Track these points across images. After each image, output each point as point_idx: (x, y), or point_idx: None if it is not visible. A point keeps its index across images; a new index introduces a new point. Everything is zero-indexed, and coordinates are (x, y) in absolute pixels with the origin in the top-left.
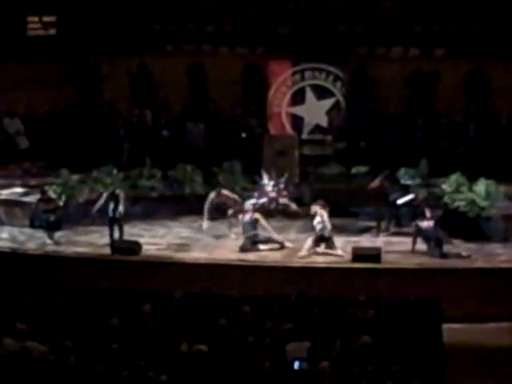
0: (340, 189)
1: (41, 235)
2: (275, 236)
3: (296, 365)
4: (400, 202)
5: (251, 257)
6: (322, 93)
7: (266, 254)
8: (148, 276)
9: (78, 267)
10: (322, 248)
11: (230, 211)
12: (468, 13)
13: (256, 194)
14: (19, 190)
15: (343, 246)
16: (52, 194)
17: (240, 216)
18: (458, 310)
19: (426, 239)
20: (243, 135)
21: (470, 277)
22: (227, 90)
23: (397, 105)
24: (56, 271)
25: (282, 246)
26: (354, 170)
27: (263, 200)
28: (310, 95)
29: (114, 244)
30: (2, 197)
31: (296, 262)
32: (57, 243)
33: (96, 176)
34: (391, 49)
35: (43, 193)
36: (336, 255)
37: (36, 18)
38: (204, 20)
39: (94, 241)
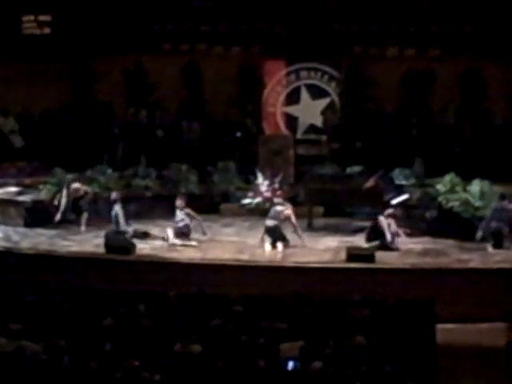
0: (335, 189)
1: (34, 234)
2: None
3: (289, 365)
4: (394, 201)
5: (245, 257)
6: (316, 92)
7: (261, 253)
8: (142, 275)
9: (72, 266)
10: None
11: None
12: (463, 13)
13: (251, 193)
14: (13, 189)
15: (338, 246)
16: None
17: None
18: (451, 310)
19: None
20: (238, 135)
21: (464, 277)
22: (222, 89)
23: (392, 104)
24: (50, 270)
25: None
26: (348, 170)
27: (258, 199)
28: (304, 95)
29: (108, 243)
30: None
31: (290, 262)
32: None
33: (90, 175)
34: (386, 48)
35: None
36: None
37: (31, 17)
38: (199, 19)
39: (88, 239)
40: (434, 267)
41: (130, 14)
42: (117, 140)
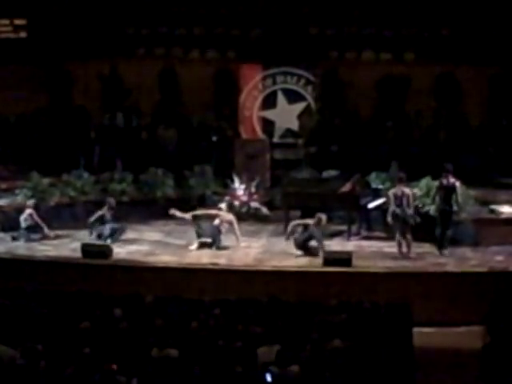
0: (311, 193)
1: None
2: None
3: (268, 377)
4: (371, 205)
5: (222, 260)
6: (293, 97)
7: (238, 258)
8: (119, 280)
9: (49, 271)
10: None
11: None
12: (439, 17)
13: (227, 197)
14: None
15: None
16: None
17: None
18: (428, 313)
19: None
20: (214, 139)
21: (441, 281)
22: (198, 93)
23: (368, 109)
24: (26, 275)
25: None
26: (325, 174)
27: (234, 204)
28: (281, 99)
29: (84, 247)
30: None
31: (267, 266)
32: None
33: (66, 179)
34: (362, 53)
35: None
36: None
37: (6, 21)
38: (175, 24)
39: (64, 244)
40: (410, 271)
41: (106, 19)
42: (93, 144)
